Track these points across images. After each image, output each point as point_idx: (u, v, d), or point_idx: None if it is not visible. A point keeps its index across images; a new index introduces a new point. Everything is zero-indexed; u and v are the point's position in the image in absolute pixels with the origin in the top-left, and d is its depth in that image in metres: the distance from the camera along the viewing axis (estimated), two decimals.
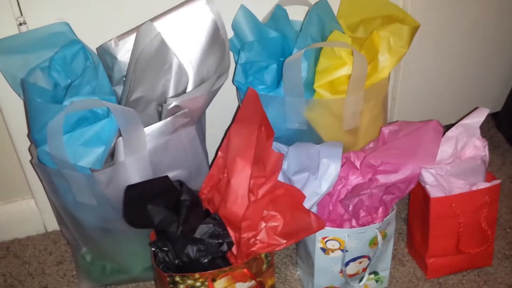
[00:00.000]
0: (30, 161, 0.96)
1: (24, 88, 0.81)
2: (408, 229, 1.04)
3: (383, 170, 0.87)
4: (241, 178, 0.79)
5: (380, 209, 0.87)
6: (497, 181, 0.92)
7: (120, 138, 0.79)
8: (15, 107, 0.92)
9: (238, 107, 0.97)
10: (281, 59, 0.93)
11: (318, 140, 0.93)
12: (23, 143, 0.97)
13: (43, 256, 1.06)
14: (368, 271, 0.92)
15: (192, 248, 0.76)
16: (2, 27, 0.86)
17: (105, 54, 0.87)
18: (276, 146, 0.91)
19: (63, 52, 0.85)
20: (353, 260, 0.89)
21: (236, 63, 0.95)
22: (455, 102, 1.24)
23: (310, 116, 0.93)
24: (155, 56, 0.82)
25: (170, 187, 0.80)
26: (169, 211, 0.76)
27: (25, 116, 0.93)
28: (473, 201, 0.91)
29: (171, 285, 0.77)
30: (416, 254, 1.01)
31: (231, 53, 0.96)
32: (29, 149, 0.96)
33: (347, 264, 0.89)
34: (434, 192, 0.90)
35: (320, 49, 0.94)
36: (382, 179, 0.86)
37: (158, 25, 0.82)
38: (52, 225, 1.09)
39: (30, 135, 0.84)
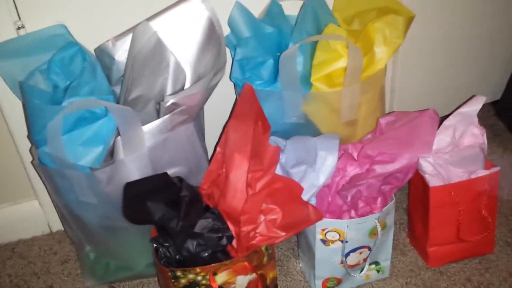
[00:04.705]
0: (32, 162, 0.98)
1: (23, 91, 0.82)
2: (409, 219, 1.04)
3: (380, 160, 0.87)
4: (239, 173, 0.79)
5: (379, 199, 0.87)
6: (496, 169, 0.92)
7: (119, 136, 0.80)
8: (16, 109, 0.93)
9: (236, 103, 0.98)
10: (278, 54, 0.93)
11: (317, 133, 0.93)
12: (25, 145, 0.98)
13: (48, 256, 1.07)
14: (368, 261, 0.92)
15: (192, 242, 0.76)
16: (0, 31, 0.86)
17: (103, 55, 0.88)
18: (274, 140, 0.91)
19: (61, 54, 0.86)
20: (354, 250, 0.89)
21: (233, 59, 0.96)
22: (455, 91, 1.24)
23: (308, 110, 0.94)
24: (152, 55, 0.83)
25: (169, 183, 0.81)
26: (168, 207, 0.76)
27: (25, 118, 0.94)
28: (472, 189, 0.91)
29: (173, 280, 0.78)
30: (417, 244, 1.01)
31: (227, 50, 0.97)
32: (30, 151, 0.97)
33: (347, 255, 0.89)
34: (433, 181, 0.90)
35: (316, 42, 0.94)
36: (379, 169, 0.86)
37: (154, 24, 0.82)
38: (57, 225, 1.10)
39: (30, 137, 0.85)
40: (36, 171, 0.94)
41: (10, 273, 1.04)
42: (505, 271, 0.97)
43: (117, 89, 0.89)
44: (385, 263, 0.96)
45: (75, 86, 0.84)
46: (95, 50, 0.89)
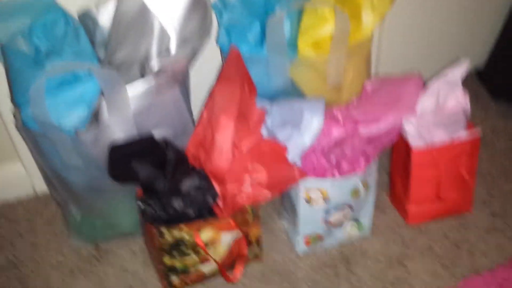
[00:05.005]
0: (15, 125, 0.97)
1: (5, 54, 0.81)
2: (390, 179, 1.06)
3: (364, 122, 0.88)
4: (225, 134, 0.80)
5: (362, 160, 0.89)
6: (477, 130, 0.94)
7: (104, 98, 0.80)
8: None
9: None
10: (264, 19, 0.93)
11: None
12: (8, 108, 0.97)
13: (33, 216, 1.07)
14: (350, 219, 0.95)
15: (178, 200, 0.78)
16: None
17: (87, 19, 0.87)
18: (260, 102, 0.92)
19: (43, 18, 0.84)
20: (336, 209, 0.92)
21: (219, 24, 0.96)
22: (440, 58, 1.25)
23: (294, 75, 0.94)
24: (137, 18, 0.82)
25: (155, 145, 0.81)
26: (154, 167, 0.77)
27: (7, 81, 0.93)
28: (453, 149, 0.93)
29: (160, 238, 0.80)
30: (397, 202, 1.04)
31: (213, 14, 0.96)
32: (13, 114, 0.96)
33: (330, 213, 0.92)
34: (415, 143, 0.92)
35: (304, 8, 0.94)
36: (363, 130, 0.87)
37: None
38: (42, 187, 1.09)
39: (13, 100, 0.84)
40: (20, 134, 0.93)
41: None
42: (481, 228, 1.00)
43: (101, 53, 0.88)
44: (366, 221, 0.98)
45: (58, 50, 0.83)
46: (78, 14, 0.88)
